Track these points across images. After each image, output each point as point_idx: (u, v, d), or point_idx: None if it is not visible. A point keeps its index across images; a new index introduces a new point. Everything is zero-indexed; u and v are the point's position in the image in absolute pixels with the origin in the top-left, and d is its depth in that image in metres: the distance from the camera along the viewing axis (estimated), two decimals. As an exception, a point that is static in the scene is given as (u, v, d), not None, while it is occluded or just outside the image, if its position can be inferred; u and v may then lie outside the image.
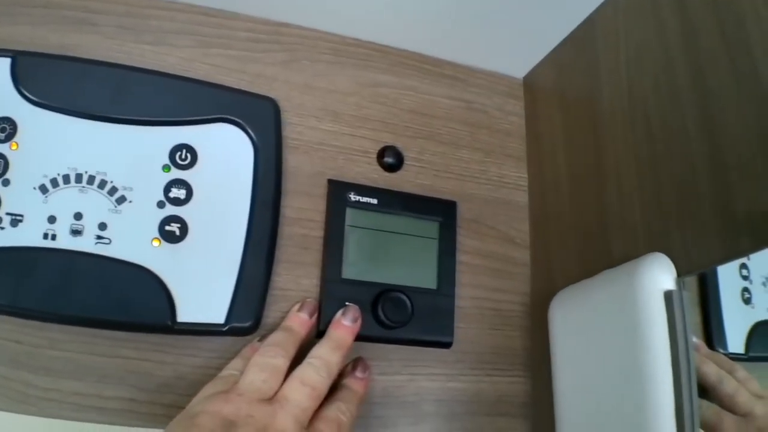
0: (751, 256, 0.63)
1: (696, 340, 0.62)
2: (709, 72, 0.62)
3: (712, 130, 0.61)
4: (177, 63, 0.80)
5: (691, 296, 0.62)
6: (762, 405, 0.59)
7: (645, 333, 0.61)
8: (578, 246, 0.81)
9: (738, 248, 0.57)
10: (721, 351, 0.63)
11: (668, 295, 0.61)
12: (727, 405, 0.60)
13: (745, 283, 0.64)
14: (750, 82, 0.57)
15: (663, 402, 0.59)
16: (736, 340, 0.63)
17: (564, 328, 0.77)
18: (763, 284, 0.64)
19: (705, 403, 0.60)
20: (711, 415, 0.60)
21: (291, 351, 0.68)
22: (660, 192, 0.67)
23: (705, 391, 0.61)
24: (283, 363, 0.65)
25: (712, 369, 0.62)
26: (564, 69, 0.90)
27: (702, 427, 0.59)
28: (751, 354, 0.62)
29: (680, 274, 0.62)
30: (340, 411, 0.67)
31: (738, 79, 0.58)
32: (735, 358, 0.62)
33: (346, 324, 0.73)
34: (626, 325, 0.64)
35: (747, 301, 0.64)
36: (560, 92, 0.90)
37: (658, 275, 0.62)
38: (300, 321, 0.73)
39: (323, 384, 0.65)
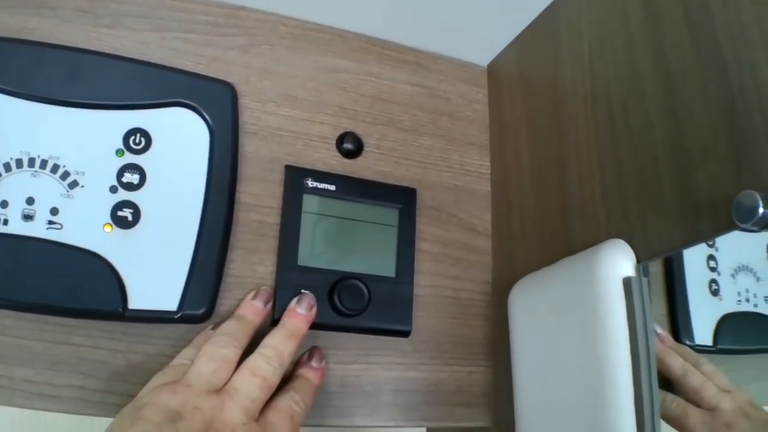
0: (719, 247, 0.64)
1: (662, 331, 0.63)
2: (672, 56, 0.62)
3: (674, 114, 0.61)
4: (134, 47, 0.80)
5: (656, 286, 0.63)
6: (729, 399, 0.60)
7: (603, 320, 0.61)
8: (539, 233, 0.82)
9: (699, 233, 0.57)
10: (688, 343, 0.64)
11: (627, 282, 0.61)
12: (693, 399, 0.61)
13: (713, 275, 0.64)
14: (713, 66, 0.57)
15: (622, 391, 0.59)
16: (703, 332, 0.64)
17: (523, 317, 0.77)
18: (732, 276, 0.65)
19: (670, 396, 0.61)
20: (676, 408, 0.61)
21: (243, 341, 0.68)
22: (621, 177, 0.68)
23: (670, 384, 0.62)
24: (234, 353, 0.65)
25: (677, 362, 0.62)
26: (527, 56, 0.90)
27: (667, 421, 0.60)
28: (720, 346, 0.63)
29: (640, 260, 0.62)
30: (293, 401, 0.67)
31: (701, 63, 0.59)
32: (703, 350, 0.63)
33: (300, 312, 0.73)
34: (585, 313, 0.64)
35: (715, 292, 0.64)
36: (523, 79, 0.91)
37: (617, 262, 0.63)
38: (254, 309, 0.73)
39: (274, 374, 0.65)
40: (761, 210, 0.48)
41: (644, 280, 0.61)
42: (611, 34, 0.72)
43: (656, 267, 0.64)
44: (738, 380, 0.62)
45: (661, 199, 0.62)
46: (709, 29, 0.58)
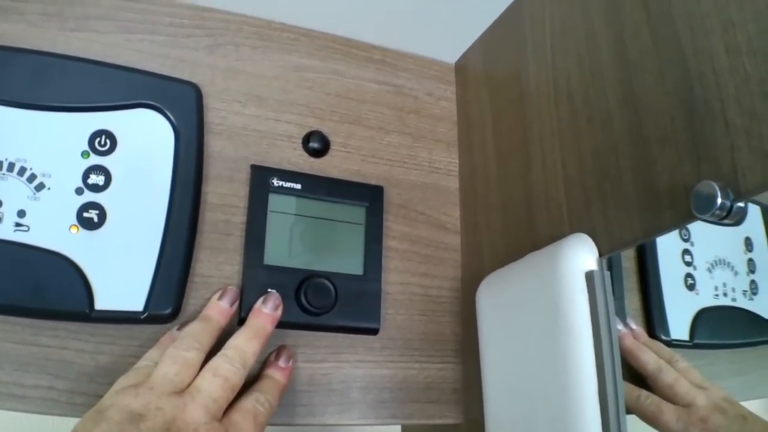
0: (695, 241, 0.66)
1: (635, 327, 0.65)
2: (631, 45, 0.64)
3: (633, 103, 0.63)
4: (100, 49, 0.81)
5: (630, 282, 0.65)
6: (704, 395, 0.62)
7: (567, 315, 0.63)
8: (506, 229, 0.84)
9: (660, 224, 0.58)
10: (663, 338, 0.65)
11: (589, 276, 0.62)
12: (667, 395, 0.63)
13: (689, 269, 0.66)
14: (672, 55, 0.59)
15: (585, 384, 0.60)
16: (679, 327, 0.65)
17: (490, 313, 0.79)
18: (708, 270, 0.67)
19: (644, 393, 0.63)
20: (650, 405, 0.63)
21: (206, 342, 0.70)
22: (583, 170, 0.69)
23: (644, 380, 0.64)
24: (197, 355, 0.67)
25: (650, 358, 0.64)
26: (493, 51, 0.93)
27: (642, 418, 0.62)
28: (697, 341, 0.65)
29: (603, 254, 0.64)
30: (258, 402, 0.69)
31: (659, 52, 0.60)
32: (679, 345, 0.65)
33: (265, 312, 0.75)
34: (549, 308, 0.66)
35: (691, 287, 0.66)
36: (489, 75, 0.93)
37: (580, 256, 0.64)
38: (219, 310, 0.75)
39: (236, 374, 0.67)
40: (719, 200, 0.49)
41: (607, 273, 0.62)
42: (572, 25, 0.74)
43: (630, 262, 0.66)
44: (716, 375, 0.65)
45: (622, 191, 0.63)
46: (668, 19, 0.60)
